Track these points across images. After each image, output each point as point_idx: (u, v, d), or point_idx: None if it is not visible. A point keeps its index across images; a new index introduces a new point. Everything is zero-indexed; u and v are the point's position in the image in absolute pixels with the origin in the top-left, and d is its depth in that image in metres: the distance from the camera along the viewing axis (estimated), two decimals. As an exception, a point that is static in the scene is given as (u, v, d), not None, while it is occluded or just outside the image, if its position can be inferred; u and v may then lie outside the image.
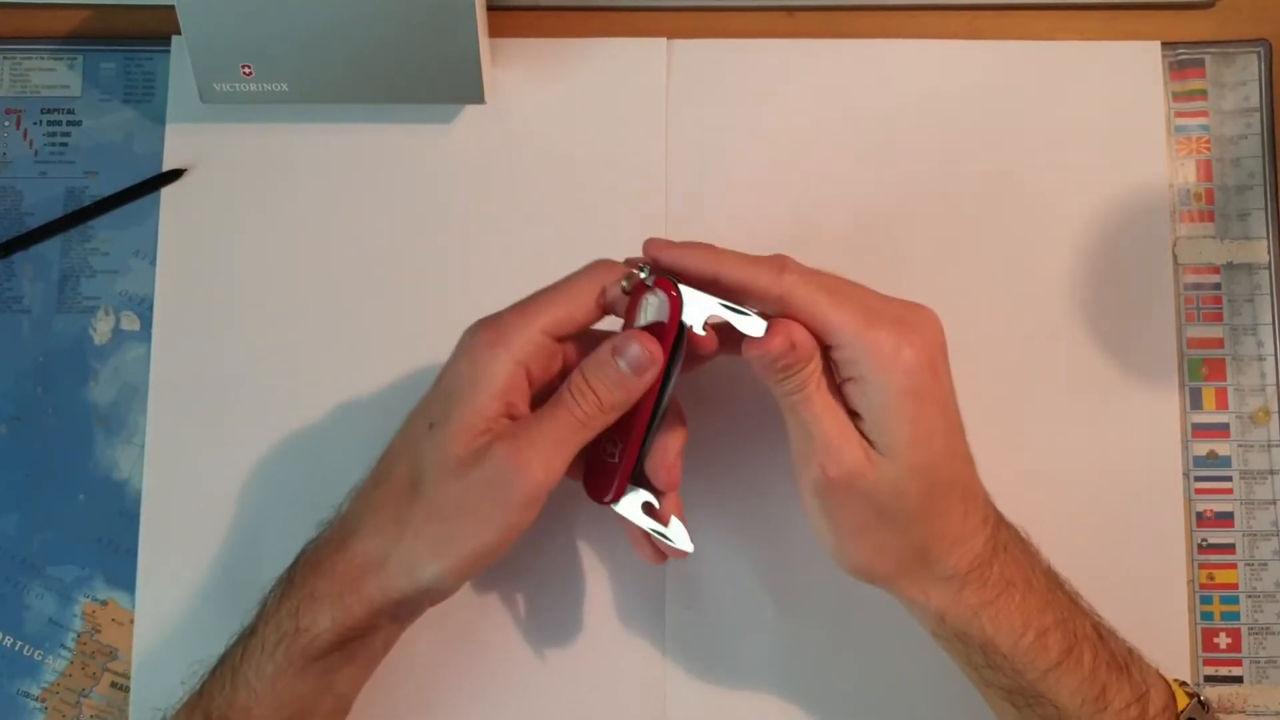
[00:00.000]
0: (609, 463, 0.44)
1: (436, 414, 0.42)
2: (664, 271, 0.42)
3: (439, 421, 0.41)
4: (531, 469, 0.40)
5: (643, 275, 0.42)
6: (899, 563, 0.43)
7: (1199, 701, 0.44)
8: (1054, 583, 0.45)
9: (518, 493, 0.40)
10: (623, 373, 0.41)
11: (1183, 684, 0.45)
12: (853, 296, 0.41)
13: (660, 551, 0.45)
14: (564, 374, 0.43)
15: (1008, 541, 0.44)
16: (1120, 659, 0.44)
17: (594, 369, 0.42)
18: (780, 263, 0.42)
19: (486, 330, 0.42)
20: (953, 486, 0.43)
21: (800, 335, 0.40)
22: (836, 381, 0.42)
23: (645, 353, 0.41)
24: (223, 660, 0.44)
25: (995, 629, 0.42)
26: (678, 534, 0.44)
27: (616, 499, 0.44)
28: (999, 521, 0.44)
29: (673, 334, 0.42)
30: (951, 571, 0.43)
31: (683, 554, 0.44)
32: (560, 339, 0.43)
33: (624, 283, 0.42)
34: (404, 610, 0.43)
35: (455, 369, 0.42)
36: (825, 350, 0.42)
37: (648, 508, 0.44)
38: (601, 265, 0.44)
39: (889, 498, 0.41)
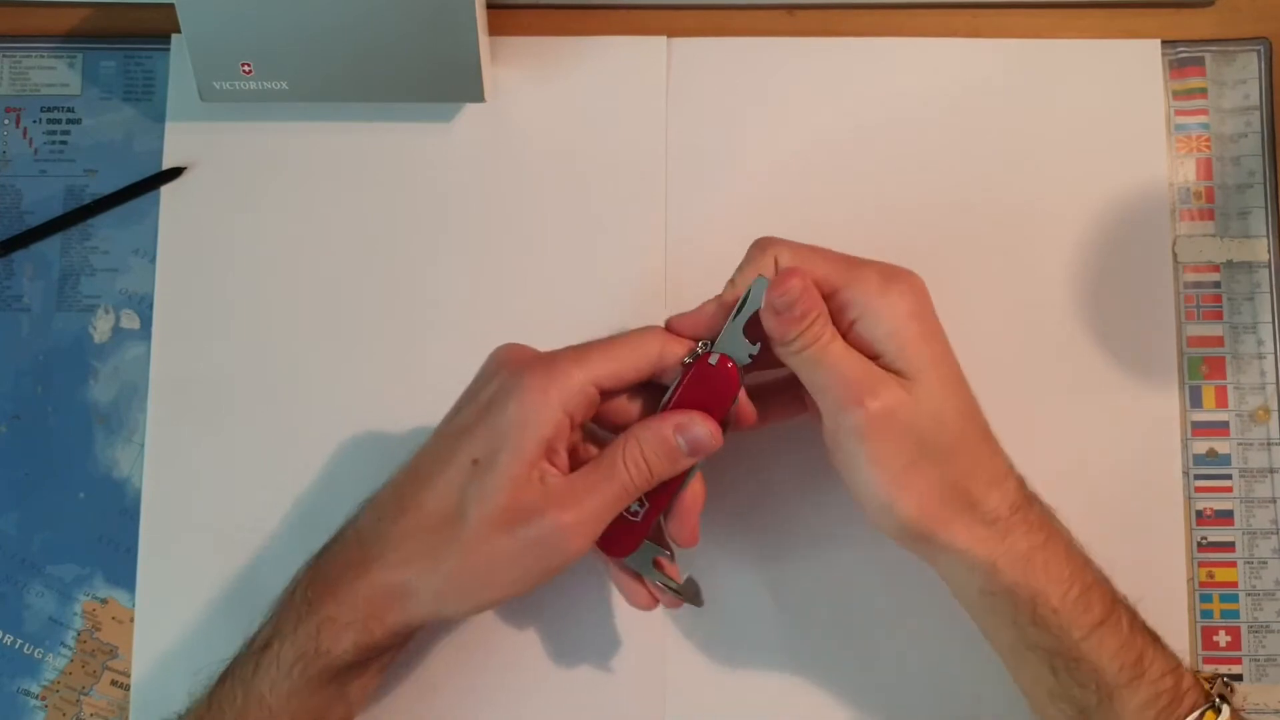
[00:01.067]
0: (630, 521, 0.44)
1: (482, 452, 0.41)
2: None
3: (486, 464, 0.41)
4: (579, 541, 0.41)
5: (705, 350, 0.43)
6: (946, 503, 0.42)
7: (1225, 680, 0.44)
8: (1082, 546, 0.45)
9: (562, 559, 0.41)
10: (680, 451, 0.42)
11: (1198, 673, 0.45)
12: (836, 253, 0.44)
13: (653, 598, 0.46)
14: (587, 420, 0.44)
15: (1034, 494, 0.44)
16: (1151, 631, 0.44)
17: (653, 444, 0.42)
18: (762, 242, 0.44)
19: (538, 374, 0.42)
20: (978, 417, 0.43)
21: (806, 278, 0.42)
22: (841, 330, 0.43)
23: (709, 435, 0.42)
24: (231, 673, 0.44)
25: (1046, 577, 0.42)
26: (690, 590, 0.45)
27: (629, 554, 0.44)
28: (1019, 478, 0.44)
29: (725, 411, 0.43)
30: (995, 514, 0.42)
31: (678, 604, 0.45)
32: (603, 393, 0.43)
33: (687, 358, 0.43)
34: (423, 633, 0.44)
35: (503, 407, 0.41)
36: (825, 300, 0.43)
37: (658, 563, 0.45)
38: (657, 332, 0.44)
39: (930, 424, 0.41)
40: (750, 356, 0.43)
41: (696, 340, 0.44)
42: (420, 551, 0.41)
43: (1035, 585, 0.42)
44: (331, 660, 0.42)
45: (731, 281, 0.44)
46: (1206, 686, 0.43)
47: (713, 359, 0.43)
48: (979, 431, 0.43)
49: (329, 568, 0.43)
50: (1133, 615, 0.43)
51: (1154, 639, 0.43)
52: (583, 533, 0.41)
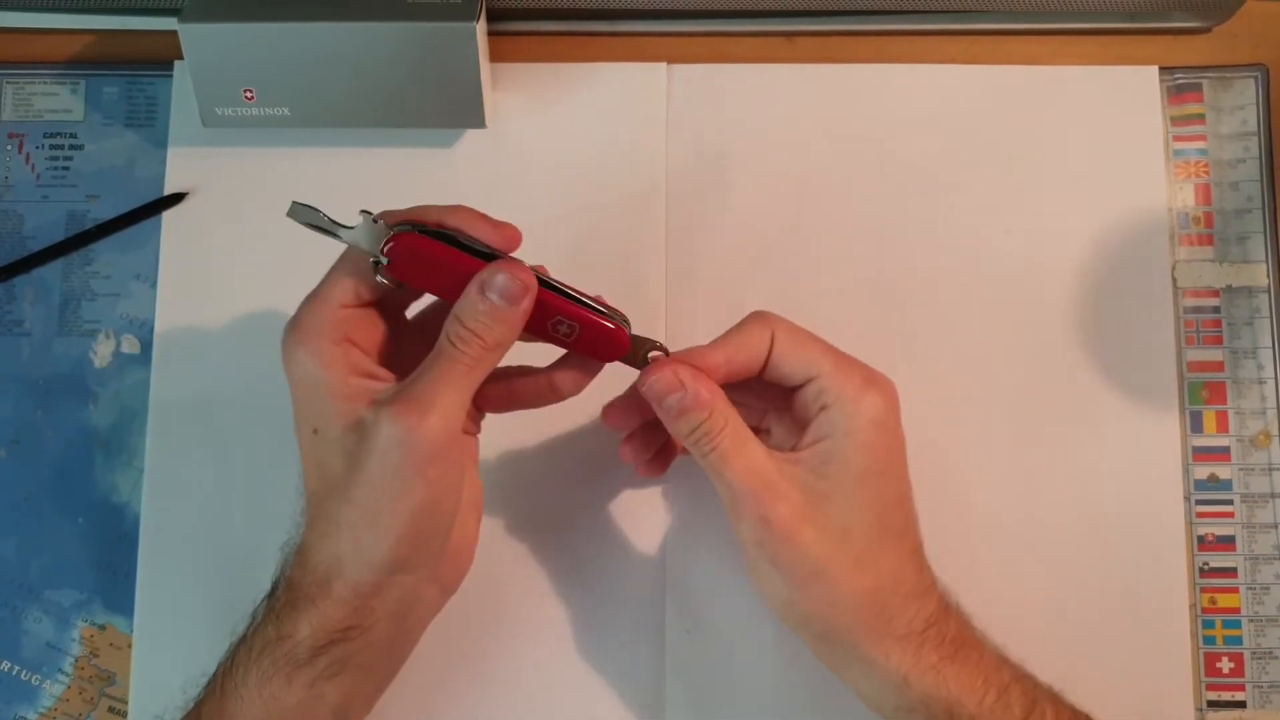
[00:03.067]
0: (566, 340, 0.43)
1: (311, 418, 0.42)
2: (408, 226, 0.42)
3: (319, 424, 0.41)
4: (425, 422, 0.40)
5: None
6: (856, 613, 0.42)
7: None
8: (998, 648, 0.44)
9: (418, 448, 0.40)
10: (498, 306, 0.41)
11: None
12: (830, 345, 0.43)
13: (655, 463, 0.46)
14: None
15: (955, 605, 0.44)
16: (1080, 713, 0.43)
17: (468, 312, 0.41)
18: (762, 315, 0.44)
19: (289, 333, 0.42)
20: (903, 537, 0.43)
21: (686, 374, 0.41)
22: (806, 415, 0.43)
23: (509, 279, 0.41)
24: (215, 670, 0.44)
25: (959, 687, 0.42)
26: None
27: (624, 348, 0.43)
28: (943, 590, 0.44)
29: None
30: (908, 629, 0.42)
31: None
32: (367, 304, 0.43)
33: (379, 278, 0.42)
34: (382, 605, 0.42)
35: (291, 378, 0.42)
36: (799, 388, 0.43)
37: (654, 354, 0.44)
38: (384, 214, 0.43)
39: (835, 534, 0.41)
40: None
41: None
42: (325, 524, 0.41)
43: (948, 695, 0.41)
44: (295, 645, 0.41)
45: (723, 337, 0.43)
46: None
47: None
48: (902, 550, 0.43)
49: (285, 566, 0.44)
50: (1057, 706, 0.43)
51: None
52: (428, 414, 0.40)
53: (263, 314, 0.54)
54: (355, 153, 0.55)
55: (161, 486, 0.53)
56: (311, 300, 0.42)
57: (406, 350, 0.44)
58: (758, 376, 0.44)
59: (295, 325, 0.42)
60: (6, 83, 0.56)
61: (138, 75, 0.56)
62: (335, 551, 0.41)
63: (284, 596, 0.42)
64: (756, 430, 0.45)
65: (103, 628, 0.52)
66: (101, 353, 0.54)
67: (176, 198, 0.55)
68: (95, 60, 0.56)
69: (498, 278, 0.40)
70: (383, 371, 0.42)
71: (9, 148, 0.56)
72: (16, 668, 0.52)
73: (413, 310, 0.46)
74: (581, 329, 0.42)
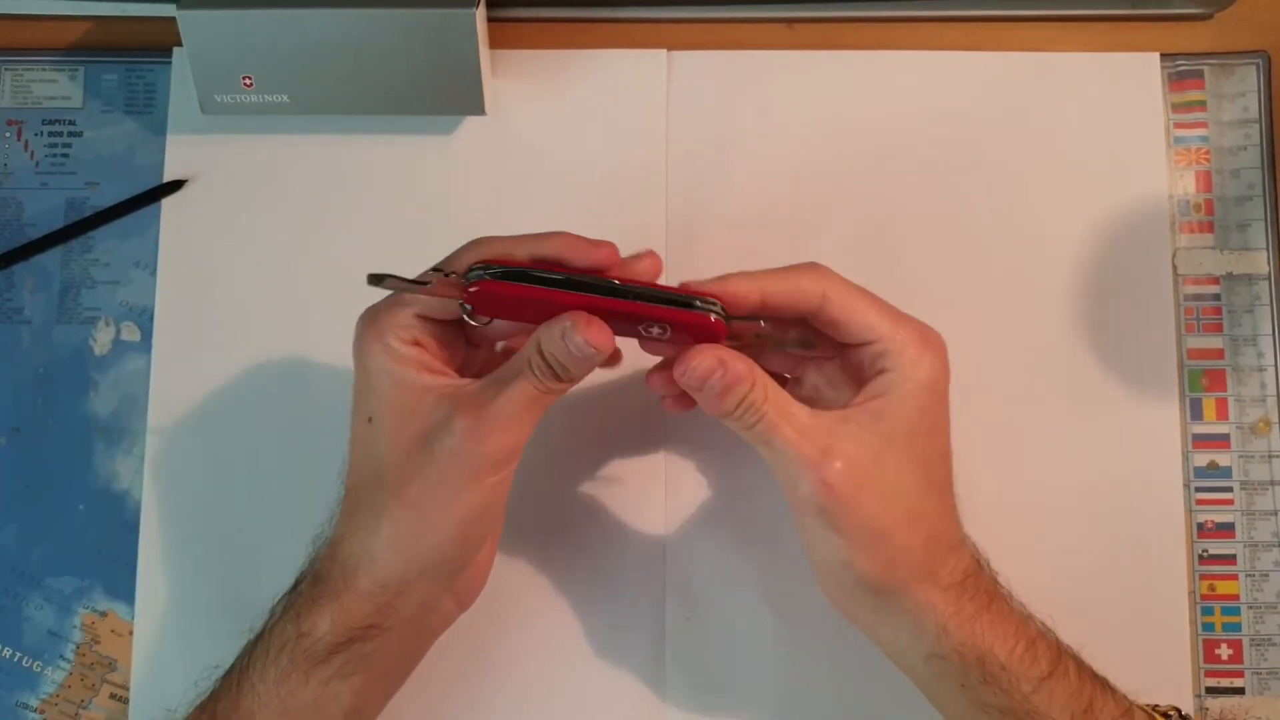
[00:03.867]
0: (661, 342, 0.43)
1: (370, 407, 0.42)
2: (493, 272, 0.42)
3: (376, 413, 0.42)
4: (491, 446, 0.40)
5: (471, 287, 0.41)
6: (910, 568, 0.42)
7: (1180, 713, 0.45)
8: (1023, 605, 0.45)
9: (485, 460, 0.41)
10: (573, 354, 0.41)
11: (1155, 707, 0.45)
12: (882, 300, 0.43)
13: (683, 399, 0.45)
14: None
15: (985, 560, 0.45)
16: (1100, 677, 0.44)
17: (550, 345, 0.41)
18: (813, 265, 0.43)
19: (364, 321, 0.43)
20: (945, 492, 0.43)
21: (721, 353, 0.41)
22: (864, 375, 0.43)
23: (589, 346, 0.40)
24: (232, 666, 0.44)
25: (993, 636, 0.42)
26: (803, 334, 0.44)
27: (723, 335, 0.42)
28: (973, 542, 0.45)
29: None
30: (950, 579, 0.43)
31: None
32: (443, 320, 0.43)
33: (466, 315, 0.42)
34: (405, 603, 0.42)
35: (358, 365, 0.43)
36: (856, 347, 0.43)
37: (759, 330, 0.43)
38: (480, 241, 0.43)
39: (890, 491, 0.41)
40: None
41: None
42: (366, 514, 0.42)
43: (982, 644, 0.42)
44: (314, 643, 0.42)
45: (770, 273, 0.43)
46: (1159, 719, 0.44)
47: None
48: (945, 504, 0.44)
49: (313, 560, 0.44)
50: (1079, 663, 0.43)
51: (1103, 684, 0.43)
52: (493, 432, 0.40)
53: (262, 300, 0.54)
54: (355, 140, 0.55)
55: (162, 474, 0.53)
56: (392, 301, 0.43)
57: (475, 355, 0.45)
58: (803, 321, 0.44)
59: (373, 316, 0.43)
60: (5, 69, 0.56)
61: (136, 62, 0.56)
62: (369, 545, 0.41)
63: (308, 591, 0.42)
64: (783, 380, 0.45)
65: (104, 615, 0.52)
66: (101, 340, 0.54)
67: (176, 185, 0.55)
68: (94, 47, 0.56)
69: (575, 339, 0.40)
70: (450, 371, 0.43)
71: (8, 135, 0.56)
72: (18, 654, 0.52)
73: None
74: (674, 328, 0.42)
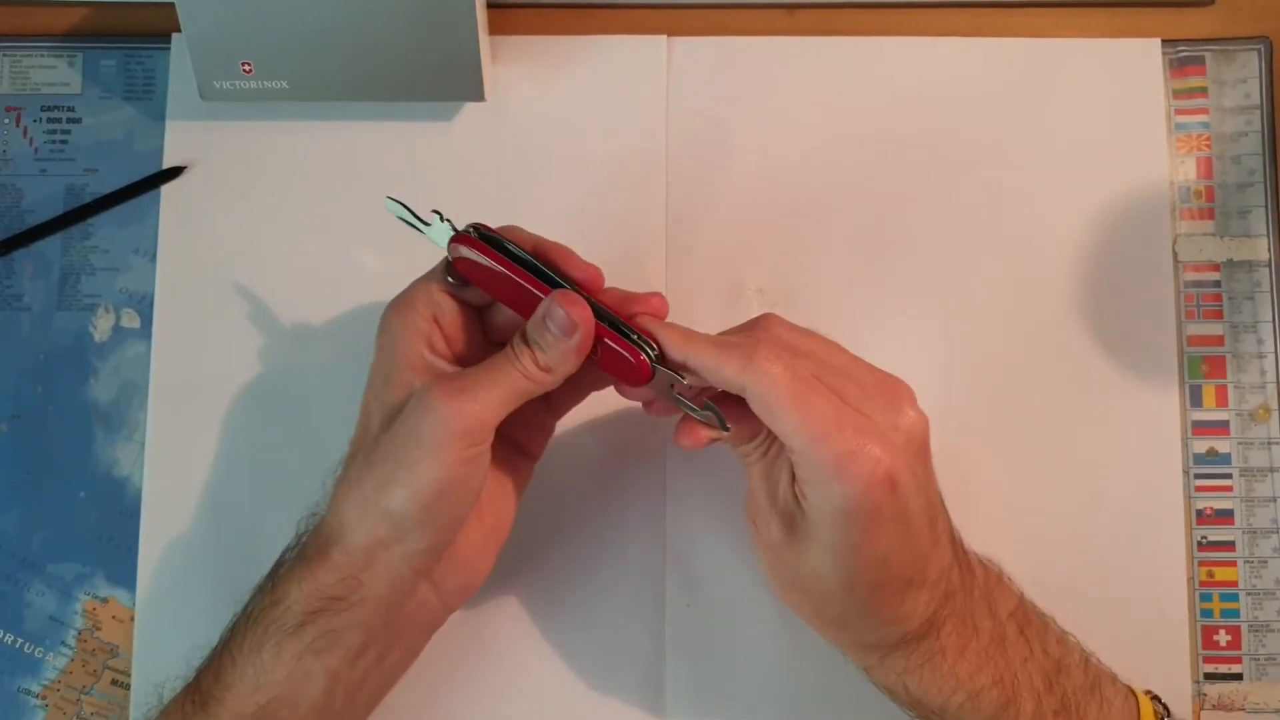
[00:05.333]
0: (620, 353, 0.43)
1: (376, 383, 0.44)
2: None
3: (379, 389, 0.43)
4: (457, 402, 0.40)
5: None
6: (821, 623, 0.44)
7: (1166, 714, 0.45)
8: (1011, 631, 0.44)
9: (444, 425, 0.40)
10: (554, 336, 0.42)
11: (1154, 697, 0.46)
12: (815, 397, 0.40)
13: (697, 434, 0.44)
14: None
15: (957, 611, 0.43)
16: (1075, 698, 0.43)
17: (532, 330, 0.42)
18: (750, 349, 0.40)
19: (392, 302, 0.44)
20: (886, 587, 0.41)
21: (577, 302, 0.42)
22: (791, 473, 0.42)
23: (567, 318, 0.41)
24: (218, 641, 0.44)
25: (922, 691, 0.43)
26: (715, 414, 0.42)
27: (645, 379, 0.42)
28: (951, 593, 0.43)
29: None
30: (875, 643, 0.43)
31: (713, 431, 0.43)
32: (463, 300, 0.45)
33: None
34: (372, 581, 0.42)
35: (377, 342, 0.44)
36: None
37: (678, 390, 0.42)
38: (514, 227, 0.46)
39: (810, 579, 0.42)
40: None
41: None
42: (343, 483, 0.43)
43: (910, 695, 0.43)
44: (284, 611, 0.42)
45: (711, 340, 0.42)
46: None
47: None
48: (885, 593, 0.41)
49: (298, 539, 0.45)
50: (1042, 699, 0.43)
51: (1070, 713, 0.43)
52: (467, 398, 0.41)
53: (262, 287, 0.54)
54: (354, 126, 0.55)
55: (162, 460, 0.53)
56: (418, 279, 0.45)
57: (485, 354, 0.45)
58: None
59: (399, 296, 0.44)
60: (4, 55, 0.56)
61: (135, 48, 0.56)
62: (342, 513, 0.42)
63: (288, 562, 0.43)
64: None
65: (105, 601, 0.52)
66: (101, 327, 0.54)
67: (175, 171, 0.55)
68: (92, 33, 0.56)
69: (556, 311, 0.41)
70: (451, 355, 0.44)
71: (7, 121, 0.55)
72: (20, 640, 0.52)
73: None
74: (603, 350, 0.42)
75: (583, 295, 0.42)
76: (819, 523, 0.40)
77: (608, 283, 0.44)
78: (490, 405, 0.41)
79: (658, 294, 0.44)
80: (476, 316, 0.45)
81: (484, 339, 0.46)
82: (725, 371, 0.40)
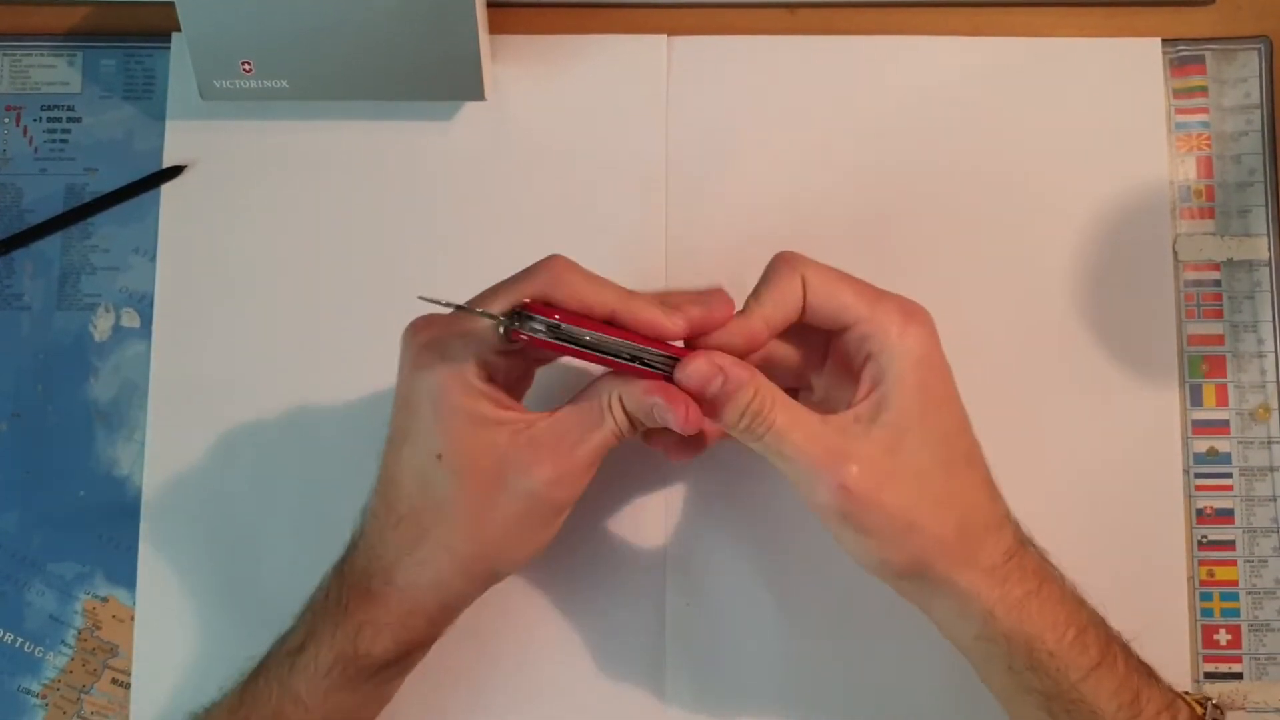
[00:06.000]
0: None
1: (438, 443, 0.41)
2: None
3: (446, 450, 0.41)
4: (570, 493, 0.42)
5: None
6: (945, 556, 0.41)
7: (1214, 706, 0.44)
8: (1075, 587, 0.44)
9: (564, 506, 0.42)
10: (654, 417, 0.41)
11: (1187, 694, 0.45)
12: (859, 280, 0.43)
13: (683, 445, 0.45)
14: None
15: (1030, 537, 0.44)
16: (1145, 666, 0.43)
17: (635, 404, 0.41)
18: (788, 258, 0.43)
19: (429, 353, 0.42)
20: (973, 465, 0.43)
21: (723, 359, 0.41)
22: (854, 365, 0.42)
23: (683, 420, 0.41)
24: (265, 671, 0.44)
25: (1042, 622, 0.42)
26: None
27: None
28: (1024, 539, 0.44)
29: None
30: (991, 561, 0.42)
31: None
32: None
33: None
34: (461, 611, 0.45)
35: (421, 392, 0.42)
36: (838, 334, 0.42)
37: None
38: (559, 275, 0.42)
39: (914, 478, 0.41)
40: None
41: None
42: (433, 547, 0.42)
43: (1031, 630, 0.41)
44: (372, 660, 0.42)
45: (755, 296, 0.43)
46: (1199, 711, 0.43)
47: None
48: (975, 479, 0.43)
49: (357, 575, 0.43)
50: (1128, 653, 0.43)
51: (1149, 675, 0.43)
52: (575, 481, 0.42)
53: (262, 286, 0.54)
54: (354, 125, 0.55)
55: (162, 459, 0.53)
56: (465, 335, 0.42)
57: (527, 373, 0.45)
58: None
59: (441, 347, 0.42)
60: (3, 55, 0.56)
61: (135, 47, 0.56)
62: (436, 575, 0.42)
63: (361, 613, 0.42)
64: (795, 392, 0.45)
65: (105, 600, 0.52)
66: (101, 326, 0.54)
67: (175, 171, 0.55)
68: (93, 32, 0.56)
69: (667, 416, 0.41)
70: (513, 403, 0.42)
71: (7, 120, 0.55)
72: (20, 640, 0.52)
73: None
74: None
75: (633, 348, 0.41)
76: (901, 390, 0.41)
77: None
78: (593, 473, 0.42)
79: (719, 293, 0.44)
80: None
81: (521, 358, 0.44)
82: (783, 284, 0.42)
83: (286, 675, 0.43)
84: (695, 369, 0.41)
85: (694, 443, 0.46)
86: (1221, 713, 0.44)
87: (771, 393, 0.41)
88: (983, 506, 0.43)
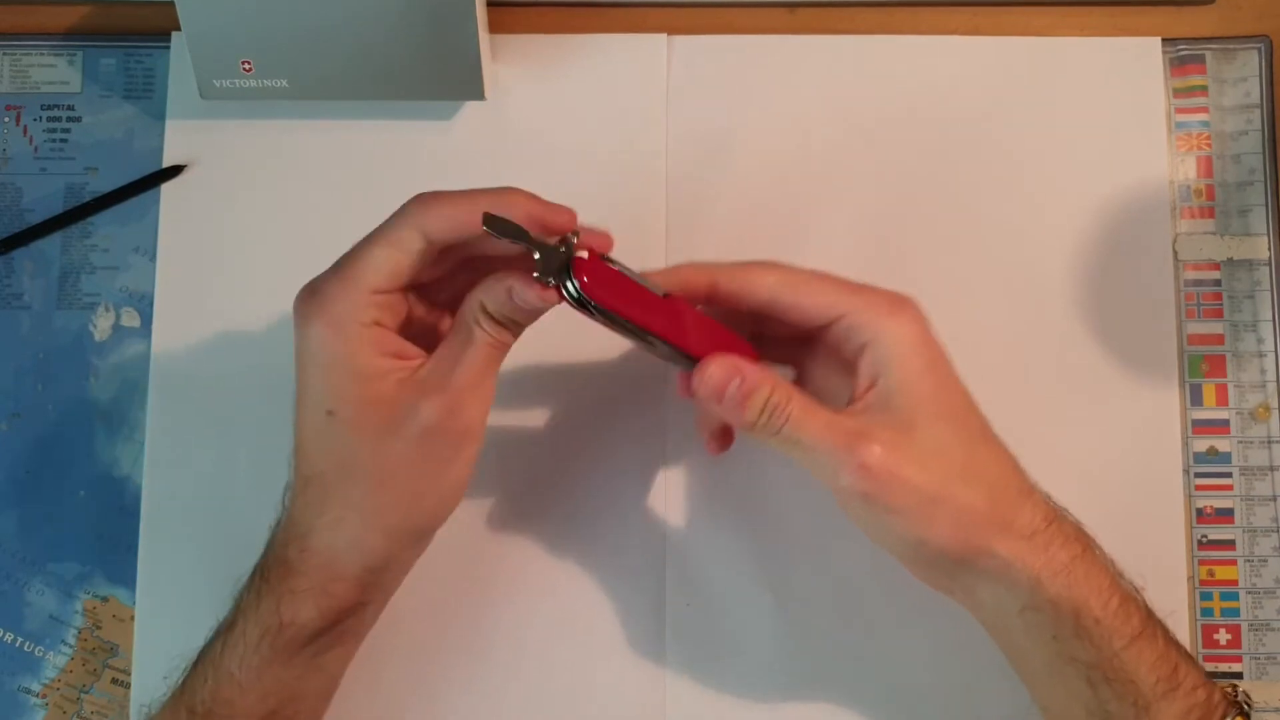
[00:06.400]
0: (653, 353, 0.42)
1: (327, 399, 0.41)
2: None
3: (335, 405, 0.41)
4: (468, 417, 0.41)
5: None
6: (981, 524, 0.41)
7: (1244, 693, 0.44)
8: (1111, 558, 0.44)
9: (459, 439, 0.41)
10: (519, 306, 0.41)
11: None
12: (836, 276, 0.43)
13: (721, 436, 0.46)
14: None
15: (1063, 507, 0.43)
16: (1180, 644, 0.43)
17: (495, 302, 0.40)
18: (768, 261, 0.43)
19: (310, 308, 0.41)
20: (989, 440, 0.43)
21: (738, 361, 0.41)
22: (846, 356, 0.42)
23: (539, 299, 0.40)
24: (202, 656, 0.44)
25: (1089, 587, 0.41)
26: None
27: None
28: (1054, 513, 0.43)
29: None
30: (1032, 527, 0.41)
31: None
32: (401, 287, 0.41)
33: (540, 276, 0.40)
34: (391, 575, 0.43)
35: (306, 355, 0.41)
36: (826, 328, 0.42)
37: None
38: (425, 201, 0.41)
39: (936, 457, 0.41)
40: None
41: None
42: (340, 506, 0.41)
43: (1078, 596, 0.41)
44: (298, 629, 0.42)
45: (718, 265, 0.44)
46: (1230, 694, 0.43)
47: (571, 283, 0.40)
48: (996, 452, 0.43)
49: (278, 549, 0.43)
50: (1165, 628, 0.43)
51: (1185, 653, 0.43)
52: (466, 403, 0.41)
53: (262, 286, 0.54)
54: (354, 125, 0.55)
55: (162, 459, 0.53)
56: (341, 278, 0.41)
57: (422, 316, 0.44)
58: (783, 334, 0.44)
59: (319, 302, 0.41)
60: (3, 54, 0.56)
61: (135, 47, 0.56)
62: (353, 535, 0.41)
63: (283, 582, 0.42)
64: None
65: (105, 600, 0.52)
66: (101, 326, 0.54)
67: (175, 170, 0.55)
68: (92, 31, 0.56)
69: (524, 293, 0.40)
70: (410, 348, 0.42)
71: (6, 120, 0.55)
72: (20, 639, 0.52)
73: None
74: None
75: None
76: (905, 377, 0.41)
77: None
78: (484, 393, 0.41)
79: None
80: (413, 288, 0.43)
81: (407, 298, 0.43)
82: (752, 271, 0.43)
83: (219, 655, 0.42)
84: (712, 374, 0.41)
85: (727, 433, 0.47)
86: (1250, 701, 0.44)
87: (786, 386, 0.41)
88: (1010, 476, 0.42)
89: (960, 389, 0.43)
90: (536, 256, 0.39)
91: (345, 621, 0.43)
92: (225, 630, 0.43)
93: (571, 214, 0.42)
